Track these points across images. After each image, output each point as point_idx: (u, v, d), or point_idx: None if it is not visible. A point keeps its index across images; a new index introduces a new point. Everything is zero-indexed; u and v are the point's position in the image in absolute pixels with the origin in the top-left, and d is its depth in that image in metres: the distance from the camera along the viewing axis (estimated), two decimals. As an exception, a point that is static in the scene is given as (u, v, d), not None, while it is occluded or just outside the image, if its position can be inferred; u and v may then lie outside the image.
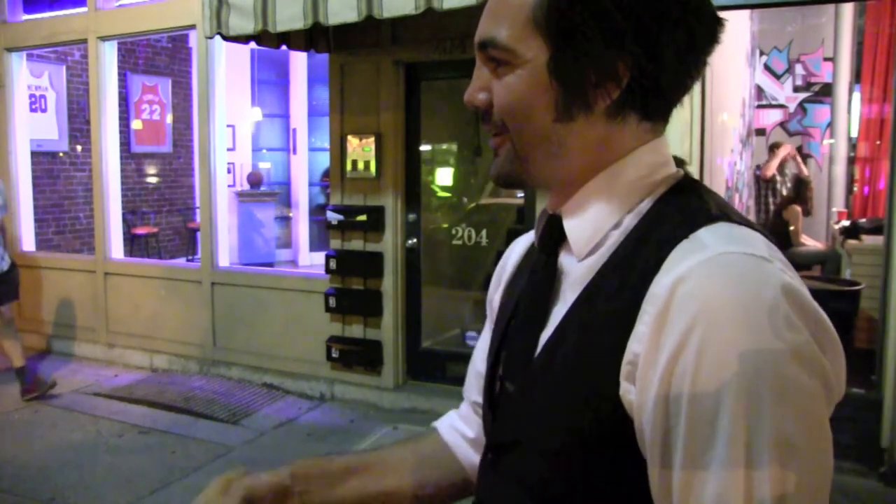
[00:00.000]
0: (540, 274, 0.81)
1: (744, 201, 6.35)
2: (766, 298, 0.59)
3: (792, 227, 6.27)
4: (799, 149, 7.62)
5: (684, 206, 0.71)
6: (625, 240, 0.71)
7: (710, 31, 0.72)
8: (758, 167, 6.74)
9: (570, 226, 0.75)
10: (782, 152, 6.60)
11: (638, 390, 0.63)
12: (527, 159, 0.76)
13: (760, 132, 7.59)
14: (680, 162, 0.78)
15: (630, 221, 0.72)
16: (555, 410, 0.71)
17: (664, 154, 0.76)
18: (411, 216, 4.76)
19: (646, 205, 0.72)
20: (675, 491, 0.61)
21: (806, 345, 0.59)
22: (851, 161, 7.23)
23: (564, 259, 0.78)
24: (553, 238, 0.79)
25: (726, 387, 0.57)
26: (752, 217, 6.62)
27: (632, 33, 0.68)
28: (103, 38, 5.55)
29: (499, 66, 0.74)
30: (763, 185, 6.73)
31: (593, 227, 0.74)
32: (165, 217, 8.78)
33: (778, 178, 6.65)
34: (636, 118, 0.73)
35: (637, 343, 0.64)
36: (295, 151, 9.17)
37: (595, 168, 0.74)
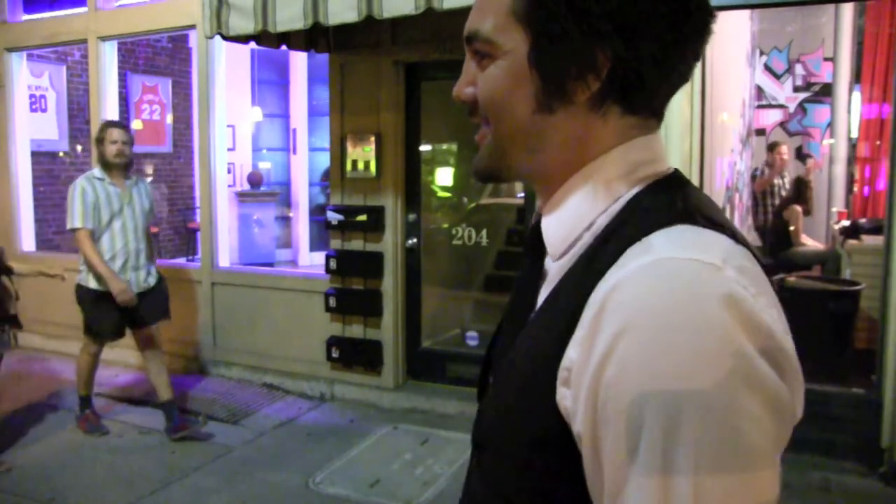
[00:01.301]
0: (525, 276, 0.80)
1: (744, 201, 6.35)
2: (702, 308, 0.56)
3: (792, 227, 6.26)
4: (799, 149, 7.62)
5: (651, 206, 0.68)
6: (593, 241, 0.69)
7: (699, 23, 0.69)
8: (754, 176, 6.71)
9: (547, 226, 0.74)
10: (777, 170, 6.60)
11: (572, 397, 0.62)
12: (506, 153, 0.74)
13: (760, 132, 7.59)
14: None
15: (602, 221, 0.70)
16: (509, 413, 0.70)
17: (653, 151, 0.73)
18: (411, 216, 4.76)
19: (619, 205, 0.70)
20: (605, 499, 0.60)
21: (743, 359, 0.55)
22: (851, 161, 7.22)
23: (547, 260, 0.76)
24: (539, 239, 0.77)
25: (648, 399, 0.55)
26: (751, 218, 6.62)
27: (610, 23, 0.66)
28: (103, 38, 5.55)
29: (482, 58, 0.73)
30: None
31: (568, 228, 0.72)
32: (165, 217, 8.77)
33: (776, 180, 6.64)
34: (618, 112, 0.70)
35: (574, 348, 0.63)
36: (295, 151, 9.17)
37: (575, 164, 0.72)
